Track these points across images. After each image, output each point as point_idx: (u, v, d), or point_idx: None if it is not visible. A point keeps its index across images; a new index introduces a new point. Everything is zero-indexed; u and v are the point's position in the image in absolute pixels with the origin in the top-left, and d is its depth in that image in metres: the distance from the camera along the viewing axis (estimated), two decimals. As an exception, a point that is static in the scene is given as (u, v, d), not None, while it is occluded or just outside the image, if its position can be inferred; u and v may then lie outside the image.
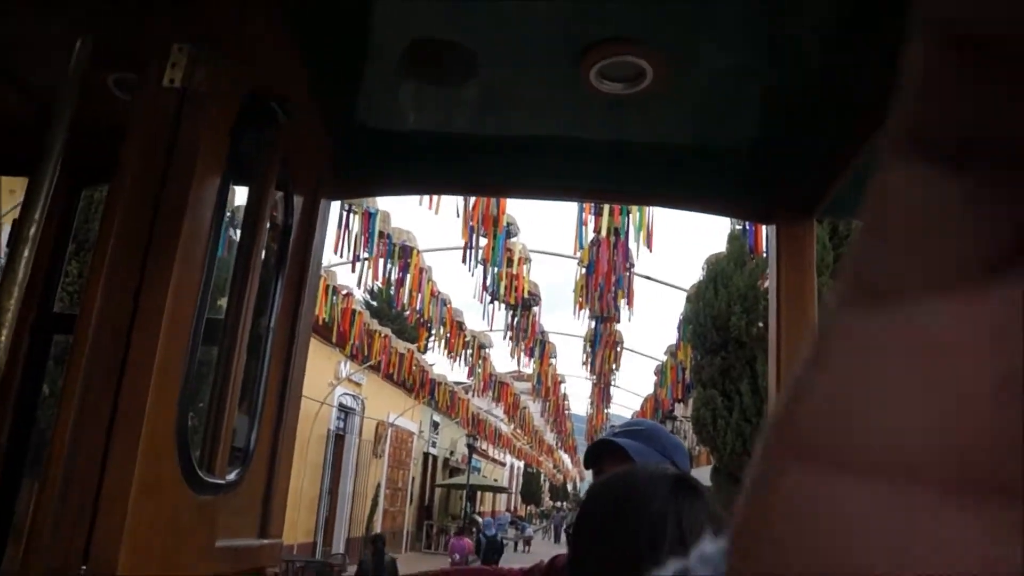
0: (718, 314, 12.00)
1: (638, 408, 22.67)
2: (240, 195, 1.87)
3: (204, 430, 1.62)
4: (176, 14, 1.47)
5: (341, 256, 9.95)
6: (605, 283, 10.16)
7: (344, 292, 12.87)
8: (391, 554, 11.44)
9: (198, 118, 1.39)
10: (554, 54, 1.89)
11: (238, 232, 1.85)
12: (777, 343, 2.25)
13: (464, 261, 10.30)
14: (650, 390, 19.46)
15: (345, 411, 22.04)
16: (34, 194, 1.43)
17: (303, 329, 2.13)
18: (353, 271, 10.46)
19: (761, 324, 11.10)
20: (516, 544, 35.22)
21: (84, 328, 1.33)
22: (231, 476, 1.72)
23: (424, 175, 2.43)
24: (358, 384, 21.84)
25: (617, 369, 14.23)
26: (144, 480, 1.29)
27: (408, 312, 12.76)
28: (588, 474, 2.20)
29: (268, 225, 1.90)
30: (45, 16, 1.67)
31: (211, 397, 1.65)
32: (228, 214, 1.68)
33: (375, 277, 10.76)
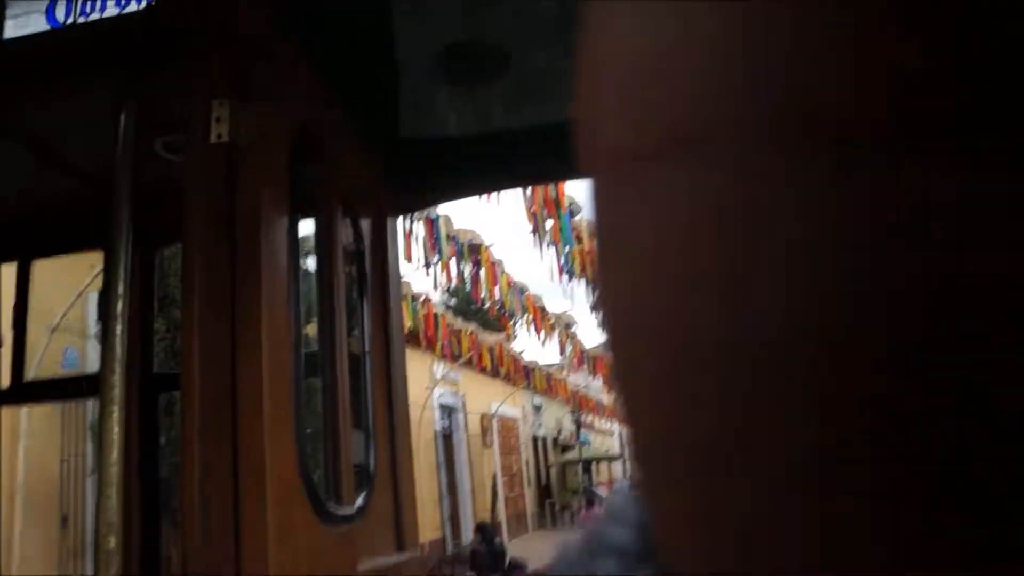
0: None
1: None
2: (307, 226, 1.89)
3: (324, 463, 1.64)
4: (208, 70, 1.48)
5: (411, 262, 10.03)
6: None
7: (422, 298, 12.98)
8: (499, 538, 11.35)
9: (252, 166, 1.40)
10: None
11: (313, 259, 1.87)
12: None
13: (534, 246, 10.28)
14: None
15: (448, 410, 22.29)
16: (113, 268, 1.45)
17: (397, 344, 2.14)
18: (427, 275, 10.54)
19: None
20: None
21: (190, 391, 1.36)
22: (359, 501, 1.74)
23: (479, 175, 2.41)
24: (455, 383, 22.07)
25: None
26: (280, 526, 1.31)
27: (491, 306, 12.81)
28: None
29: (342, 254, 1.92)
30: (83, 95, 1.70)
31: (325, 430, 1.67)
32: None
33: (448, 279, 10.82)
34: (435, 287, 11.03)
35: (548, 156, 2.36)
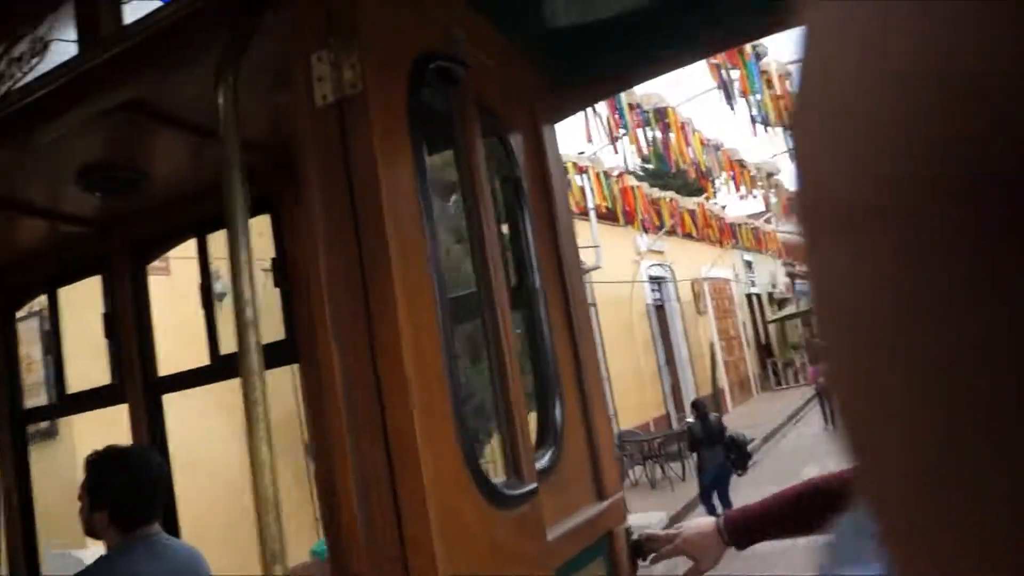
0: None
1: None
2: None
3: (501, 439, 1.46)
4: (307, 21, 1.28)
5: (591, 143, 9.69)
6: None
7: (616, 173, 12.61)
8: (716, 414, 11.10)
9: (363, 118, 1.20)
10: None
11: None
12: None
13: (723, 100, 9.63)
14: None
15: (657, 281, 22.04)
16: (233, 238, 1.31)
17: (572, 268, 1.92)
18: (616, 152, 10.17)
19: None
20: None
21: (329, 369, 1.21)
22: (545, 461, 1.58)
23: (646, 58, 2.06)
24: (660, 252, 21.72)
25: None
26: (445, 521, 1.16)
27: (687, 168, 12.27)
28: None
29: (491, 178, 1.70)
30: (201, 62, 1.54)
31: (495, 400, 1.49)
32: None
33: (639, 150, 10.40)
34: (625, 163, 10.67)
35: (726, 18, 2.00)
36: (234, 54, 1.30)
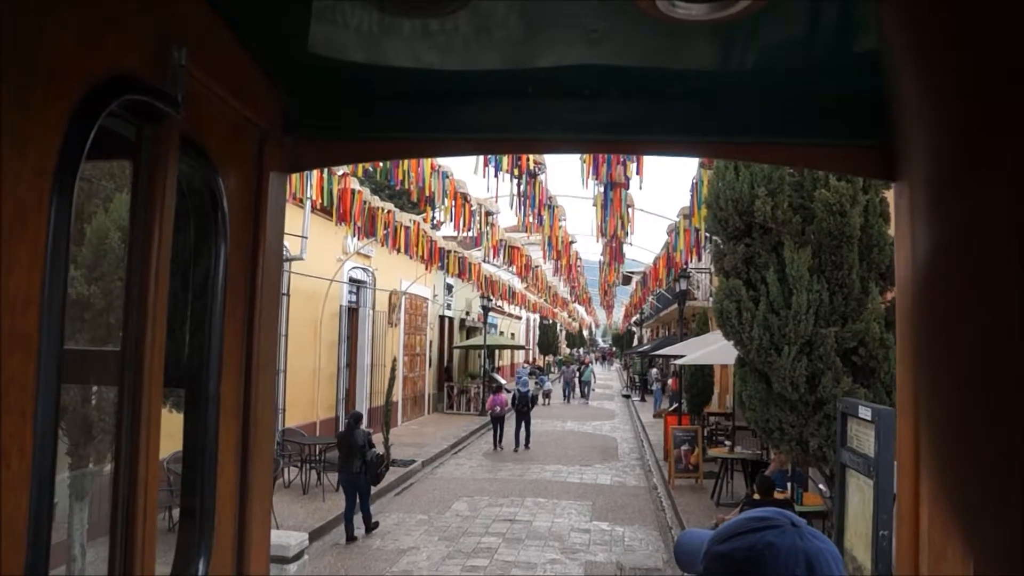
0: (740, 198, 10.22)
1: (651, 264, 22.38)
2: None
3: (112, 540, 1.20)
4: None
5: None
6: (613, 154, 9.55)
7: (340, 172, 12.29)
8: (362, 429, 12.69)
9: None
10: None
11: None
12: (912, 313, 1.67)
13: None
14: (661, 248, 19.08)
15: (357, 284, 21.85)
16: None
17: (265, 339, 1.69)
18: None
19: (787, 206, 10.16)
20: (536, 398, 35.75)
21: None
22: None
23: (417, 129, 1.89)
24: (367, 256, 21.57)
25: (630, 233, 13.70)
26: None
27: (411, 188, 12.25)
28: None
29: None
30: None
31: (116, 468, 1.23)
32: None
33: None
34: (353, 167, 10.41)
35: (515, 117, 1.90)
36: None
